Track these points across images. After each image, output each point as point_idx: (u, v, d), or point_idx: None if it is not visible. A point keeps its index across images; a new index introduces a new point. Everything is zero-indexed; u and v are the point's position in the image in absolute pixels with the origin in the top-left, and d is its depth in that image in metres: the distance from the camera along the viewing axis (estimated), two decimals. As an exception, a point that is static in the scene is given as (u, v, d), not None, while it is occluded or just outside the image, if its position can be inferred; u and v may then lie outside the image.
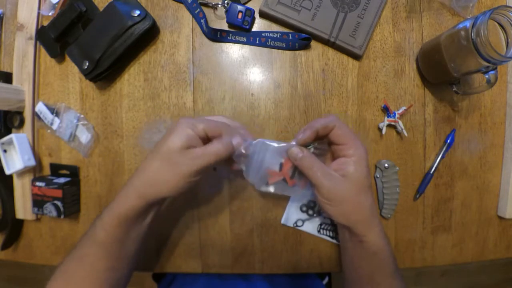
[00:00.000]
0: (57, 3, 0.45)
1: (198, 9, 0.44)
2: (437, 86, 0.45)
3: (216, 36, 0.44)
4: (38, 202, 0.44)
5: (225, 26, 0.45)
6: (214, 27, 0.44)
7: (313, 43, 0.45)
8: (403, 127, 0.44)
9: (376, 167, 0.45)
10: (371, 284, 0.35)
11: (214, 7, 0.45)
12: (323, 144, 0.37)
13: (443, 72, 0.40)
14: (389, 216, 0.45)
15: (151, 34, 0.44)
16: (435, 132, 0.46)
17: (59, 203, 0.43)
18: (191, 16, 0.45)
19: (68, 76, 0.47)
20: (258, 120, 0.45)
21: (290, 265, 0.46)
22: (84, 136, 0.46)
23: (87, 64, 0.42)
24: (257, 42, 0.44)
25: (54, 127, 0.46)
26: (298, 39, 0.43)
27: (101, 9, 0.44)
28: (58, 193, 0.43)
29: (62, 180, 0.44)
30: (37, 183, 0.44)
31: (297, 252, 0.46)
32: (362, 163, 0.34)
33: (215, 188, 0.46)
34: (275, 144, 0.35)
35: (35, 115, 0.47)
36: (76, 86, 0.47)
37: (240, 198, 0.45)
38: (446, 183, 0.46)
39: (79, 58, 0.43)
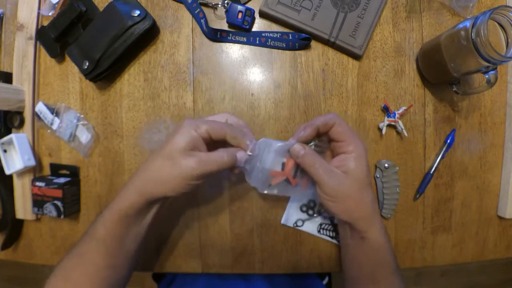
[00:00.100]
0: (57, 3, 0.45)
1: (198, 9, 0.44)
2: (437, 86, 0.45)
3: (216, 36, 0.44)
4: (38, 202, 0.44)
5: (225, 26, 0.45)
6: (214, 27, 0.44)
7: (313, 43, 0.45)
8: (403, 127, 0.44)
9: (376, 167, 0.45)
10: (372, 282, 0.35)
11: (214, 7, 0.45)
12: (323, 141, 0.38)
13: (443, 72, 0.40)
14: (389, 216, 0.45)
15: (151, 34, 0.44)
16: (435, 132, 0.46)
17: (59, 203, 0.43)
18: (191, 16, 0.45)
19: (68, 76, 0.47)
20: (258, 120, 0.45)
21: (290, 265, 0.46)
22: (84, 136, 0.46)
23: (87, 64, 0.42)
24: (257, 42, 0.44)
25: (54, 127, 0.46)
26: (298, 39, 0.43)
27: (101, 9, 0.44)
28: (58, 193, 0.43)
29: (62, 180, 0.44)
30: (37, 183, 0.44)
31: (297, 252, 0.46)
32: (362, 160, 0.34)
33: (215, 188, 0.46)
34: (277, 143, 0.35)
35: (35, 115, 0.47)
36: (76, 86, 0.47)
37: (240, 198, 0.45)
38: (446, 183, 0.46)
39: (79, 58, 0.43)
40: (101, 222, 0.33)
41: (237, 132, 0.34)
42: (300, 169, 0.36)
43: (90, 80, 0.44)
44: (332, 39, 0.43)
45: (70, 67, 0.47)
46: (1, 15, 0.49)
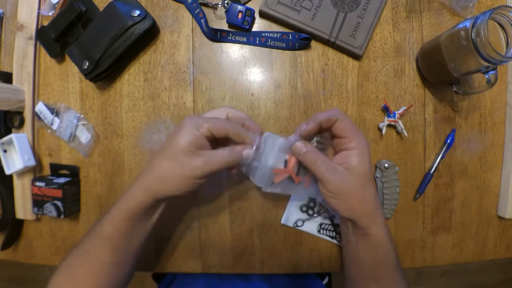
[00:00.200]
0: (57, 3, 0.45)
1: (198, 9, 0.44)
2: (437, 86, 0.45)
3: (216, 36, 0.44)
4: (38, 202, 0.44)
5: (225, 26, 0.45)
6: (214, 27, 0.44)
7: (313, 43, 0.45)
8: (403, 127, 0.44)
9: (376, 167, 0.45)
10: (373, 279, 0.35)
11: (214, 7, 0.45)
12: (325, 138, 0.37)
13: (443, 72, 0.40)
14: (389, 216, 0.45)
15: (151, 34, 0.44)
16: (435, 132, 0.46)
17: (59, 203, 0.43)
18: (191, 16, 0.45)
19: (68, 76, 0.47)
20: (258, 120, 0.45)
21: (290, 265, 0.46)
22: (84, 136, 0.46)
23: (87, 64, 0.42)
24: (257, 42, 0.44)
25: (54, 127, 0.46)
26: (298, 39, 0.43)
27: (101, 9, 0.44)
28: (58, 193, 0.43)
29: (62, 180, 0.44)
30: (37, 183, 0.44)
31: (297, 252, 0.46)
32: (365, 156, 0.34)
33: (215, 188, 0.46)
34: (279, 140, 0.35)
35: (35, 115, 0.47)
36: (76, 86, 0.47)
37: (240, 198, 0.45)
38: (446, 183, 0.46)
39: (79, 58, 0.43)
40: (108, 221, 0.34)
41: (240, 129, 0.34)
42: (302, 167, 0.35)
43: (90, 80, 0.44)
44: (332, 39, 0.43)
45: (70, 67, 0.47)
46: (1, 15, 0.49)
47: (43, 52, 0.47)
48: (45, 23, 0.46)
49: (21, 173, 0.47)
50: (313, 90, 0.45)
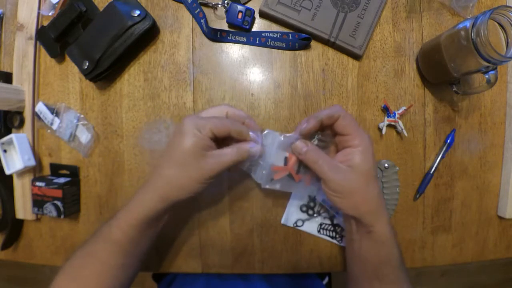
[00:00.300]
0: (57, 3, 0.45)
1: (198, 9, 0.44)
2: (437, 86, 0.45)
3: (216, 36, 0.44)
4: (38, 202, 0.44)
5: (225, 26, 0.45)
6: (214, 27, 0.44)
7: (313, 43, 0.45)
8: (403, 127, 0.44)
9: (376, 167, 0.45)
10: (377, 276, 0.35)
11: (214, 7, 0.45)
12: (327, 135, 0.37)
13: (443, 72, 0.40)
14: (389, 216, 0.45)
15: (151, 34, 0.44)
16: (435, 132, 0.46)
17: (59, 203, 0.43)
18: (191, 16, 0.45)
19: (68, 76, 0.47)
20: (258, 120, 0.45)
21: (290, 265, 0.46)
22: (84, 136, 0.46)
23: (87, 64, 0.42)
24: (257, 42, 0.44)
25: (54, 127, 0.46)
26: (298, 39, 0.43)
27: (101, 9, 0.44)
28: (58, 193, 0.43)
29: (62, 180, 0.44)
30: (37, 183, 0.44)
31: (297, 252, 0.46)
32: (368, 153, 0.33)
33: (215, 188, 0.46)
34: (280, 137, 0.35)
35: (35, 115, 0.47)
36: (76, 86, 0.47)
37: (240, 198, 0.45)
38: (446, 183, 0.46)
39: (79, 58, 0.43)
40: (116, 225, 0.34)
41: (241, 127, 0.34)
42: (303, 165, 0.35)
43: (90, 80, 0.44)
44: (332, 39, 0.43)
45: (70, 67, 0.47)
46: (1, 15, 0.49)
47: (43, 52, 0.47)
48: (45, 23, 0.46)
49: (21, 173, 0.47)
50: (313, 90, 0.45)
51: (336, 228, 0.45)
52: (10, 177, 0.47)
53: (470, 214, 0.47)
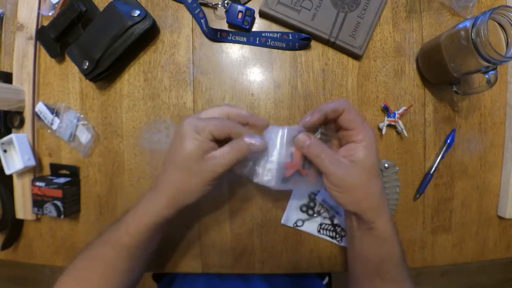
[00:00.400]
0: (57, 3, 0.45)
1: (198, 9, 0.44)
2: (437, 86, 0.45)
3: (216, 36, 0.44)
4: (38, 202, 0.44)
5: (225, 26, 0.45)
6: (214, 27, 0.44)
7: (313, 43, 0.45)
8: (403, 127, 0.44)
9: (376, 167, 0.45)
10: (378, 274, 0.34)
11: (214, 7, 0.45)
12: (330, 129, 0.36)
13: (443, 72, 0.40)
14: (391, 213, 0.45)
15: (151, 34, 0.44)
16: (435, 132, 0.46)
17: (59, 203, 0.43)
18: (191, 16, 0.45)
19: (68, 76, 0.47)
20: (258, 120, 0.45)
21: (290, 265, 0.46)
22: (84, 136, 0.46)
23: (87, 64, 0.42)
24: (257, 42, 0.44)
25: (54, 127, 0.46)
26: (298, 39, 0.43)
27: (101, 9, 0.44)
28: (58, 193, 0.43)
29: (62, 180, 0.44)
30: (37, 183, 0.44)
31: (297, 252, 0.46)
32: (372, 149, 0.33)
33: (216, 188, 0.45)
34: (285, 130, 0.33)
35: (35, 115, 0.47)
36: (76, 86, 0.47)
37: (240, 198, 0.45)
38: (446, 183, 0.46)
39: (79, 58, 0.43)
40: (124, 230, 0.34)
41: (241, 128, 0.33)
42: (308, 159, 0.34)
43: (90, 80, 0.44)
44: (332, 39, 0.43)
45: (70, 67, 0.47)
46: (1, 15, 0.49)
47: (43, 52, 0.47)
48: (45, 23, 0.46)
49: (21, 173, 0.47)
50: (313, 90, 0.45)
51: (336, 228, 0.45)
52: (10, 177, 0.47)
53: (470, 214, 0.47)
